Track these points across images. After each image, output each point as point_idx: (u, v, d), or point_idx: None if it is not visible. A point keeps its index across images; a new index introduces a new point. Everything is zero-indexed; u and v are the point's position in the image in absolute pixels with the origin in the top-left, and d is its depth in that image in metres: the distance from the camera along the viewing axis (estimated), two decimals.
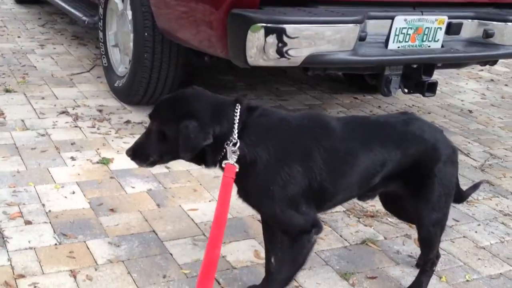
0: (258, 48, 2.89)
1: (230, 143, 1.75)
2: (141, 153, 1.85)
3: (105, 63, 4.09)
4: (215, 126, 1.75)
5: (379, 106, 4.46)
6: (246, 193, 1.86)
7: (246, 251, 2.39)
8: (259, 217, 2.67)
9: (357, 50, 3.05)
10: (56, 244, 2.28)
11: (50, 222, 2.41)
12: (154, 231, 2.44)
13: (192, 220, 2.57)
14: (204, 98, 1.82)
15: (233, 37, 2.98)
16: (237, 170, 1.76)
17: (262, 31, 2.85)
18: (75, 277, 2.09)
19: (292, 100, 4.39)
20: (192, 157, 1.79)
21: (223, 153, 1.77)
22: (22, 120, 3.42)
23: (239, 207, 2.72)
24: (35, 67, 4.49)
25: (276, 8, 3.01)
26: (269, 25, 2.86)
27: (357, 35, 3.02)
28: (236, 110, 1.77)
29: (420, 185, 2.01)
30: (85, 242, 2.31)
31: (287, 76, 5.00)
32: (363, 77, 4.45)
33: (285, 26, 2.87)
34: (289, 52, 2.91)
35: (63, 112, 3.61)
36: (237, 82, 4.68)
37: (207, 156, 1.80)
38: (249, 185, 1.83)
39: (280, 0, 3.07)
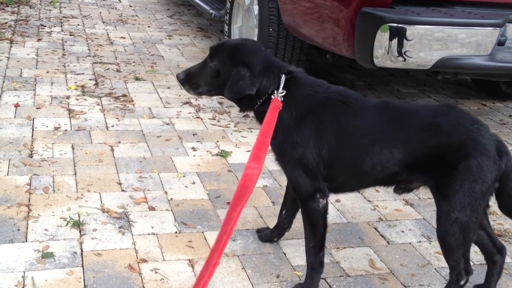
0: (386, 49, 2.79)
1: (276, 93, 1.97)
2: (193, 81, 2.07)
3: None
4: (261, 82, 1.97)
5: (510, 115, 4.13)
6: (272, 147, 2.04)
7: (361, 259, 2.32)
8: (375, 224, 2.59)
9: (494, 55, 2.86)
10: (176, 232, 2.36)
11: (171, 210, 2.51)
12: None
13: None
14: (262, 55, 2.03)
15: (361, 37, 2.89)
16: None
17: (391, 31, 2.74)
18: (193, 266, 2.15)
19: (414, 103, 4.20)
20: (234, 99, 2.05)
21: (259, 102, 2.01)
22: (149, 108, 3.59)
23: (354, 212, 2.65)
24: (163, 57, 4.70)
25: (409, 8, 2.88)
26: (399, 25, 2.75)
27: (495, 39, 2.82)
28: (281, 75, 1.98)
29: (443, 180, 1.85)
30: (203, 233, 2.37)
31: (409, 77, 4.80)
32: (495, 84, 4.15)
33: (415, 27, 2.74)
34: (420, 54, 2.78)
35: (186, 103, 3.75)
36: (356, 82, 4.57)
37: (246, 101, 2.03)
38: (272, 139, 2.00)
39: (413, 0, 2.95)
